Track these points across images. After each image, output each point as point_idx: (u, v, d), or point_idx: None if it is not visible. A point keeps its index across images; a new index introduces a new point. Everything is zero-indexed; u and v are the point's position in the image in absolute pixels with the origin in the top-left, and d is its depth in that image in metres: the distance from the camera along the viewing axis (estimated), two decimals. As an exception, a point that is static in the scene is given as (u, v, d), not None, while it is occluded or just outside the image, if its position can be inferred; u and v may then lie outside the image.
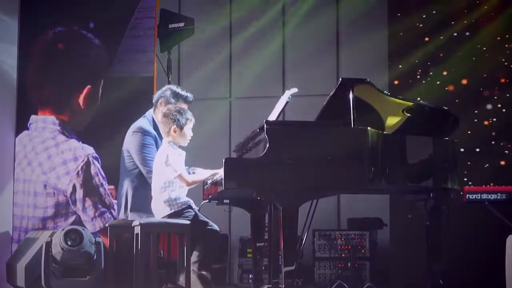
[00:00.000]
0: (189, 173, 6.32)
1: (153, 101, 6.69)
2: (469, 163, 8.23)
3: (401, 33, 8.72)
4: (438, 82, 8.53)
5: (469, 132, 8.26)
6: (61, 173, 7.91)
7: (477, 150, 8.31)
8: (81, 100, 8.01)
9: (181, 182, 6.00)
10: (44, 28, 8.15)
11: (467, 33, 8.53)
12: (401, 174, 5.72)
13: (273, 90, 9.44)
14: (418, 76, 8.61)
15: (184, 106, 6.54)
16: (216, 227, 6.09)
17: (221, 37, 10.25)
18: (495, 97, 8.42)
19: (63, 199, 7.89)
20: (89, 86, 8.02)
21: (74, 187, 7.86)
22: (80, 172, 7.88)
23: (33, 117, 8.06)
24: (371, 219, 8.77)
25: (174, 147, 6.05)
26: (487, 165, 8.27)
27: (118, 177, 6.76)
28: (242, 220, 7.59)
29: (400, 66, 8.65)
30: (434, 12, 8.66)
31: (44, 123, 8.03)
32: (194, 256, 5.98)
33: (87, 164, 7.88)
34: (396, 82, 8.66)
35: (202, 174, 6.22)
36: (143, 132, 6.50)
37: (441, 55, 8.59)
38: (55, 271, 7.01)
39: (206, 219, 6.09)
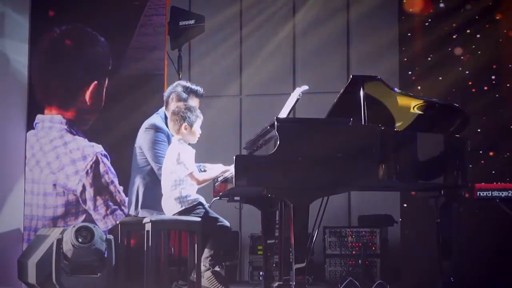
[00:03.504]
0: (200, 169, 6.33)
1: (164, 98, 6.71)
2: (480, 160, 8.21)
3: (412, 30, 8.69)
4: (449, 79, 8.50)
5: (479, 129, 8.23)
6: (70, 173, 7.92)
7: (488, 147, 8.28)
8: (87, 96, 8.02)
9: (192, 180, 6.00)
10: (54, 26, 8.17)
11: (480, 28, 8.49)
12: (412, 171, 5.71)
13: (284, 87, 9.43)
14: (430, 73, 8.58)
15: (196, 100, 6.57)
16: (226, 223, 6.10)
17: (231, 35, 10.25)
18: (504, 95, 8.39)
19: (73, 198, 7.90)
20: (95, 82, 8.03)
21: (83, 186, 7.86)
22: (89, 171, 7.88)
23: (39, 116, 8.07)
24: (381, 216, 8.75)
25: (184, 145, 6.06)
26: (498, 162, 8.24)
27: (128, 175, 6.78)
28: (252, 217, 7.59)
29: (411, 63, 8.62)
30: (444, 7, 8.61)
31: (51, 122, 8.03)
32: (206, 252, 5.99)
33: (96, 163, 7.89)
34: (406, 79, 8.64)
35: (212, 172, 6.21)
36: (156, 129, 6.52)
37: (453, 51, 8.55)
38: (66, 268, 7.03)
39: (216, 215, 6.10)
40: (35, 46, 8.13)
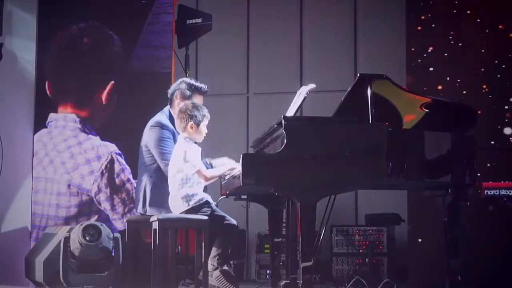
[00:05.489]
0: (206, 163, 6.34)
1: (168, 95, 6.70)
2: (487, 159, 8.18)
3: (420, 27, 8.65)
4: (457, 77, 8.47)
5: (487, 127, 8.20)
6: (85, 173, 7.94)
7: (496, 145, 8.25)
8: (104, 96, 8.04)
9: (200, 177, 6.00)
10: (63, 24, 8.20)
11: (489, 24, 8.44)
12: (419, 169, 5.70)
13: (291, 85, 9.42)
14: (438, 71, 8.55)
15: (200, 98, 6.55)
16: (233, 221, 6.10)
17: (238, 33, 10.26)
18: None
19: (87, 198, 7.91)
20: (112, 82, 8.05)
21: (99, 187, 7.88)
22: (104, 171, 7.90)
23: (52, 115, 8.08)
24: (388, 214, 8.75)
25: (190, 143, 6.05)
26: (505, 161, 8.21)
27: (137, 173, 6.79)
28: (259, 216, 7.59)
29: (419, 60, 8.59)
30: (454, 4, 8.56)
31: (64, 121, 8.05)
32: (214, 251, 5.98)
33: (111, 163, 7.90)
34: (414, 77, 8.61)
35: (220, 168, 6.21)
36: (161, 126, 6.51)
37: (462, 48, 8.50)
38: (73, 266, 7.04)
39: (223, 214, 6.10)
40: (46, 43, 8.14)
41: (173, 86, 6.70)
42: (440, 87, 8.41)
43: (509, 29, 8.34)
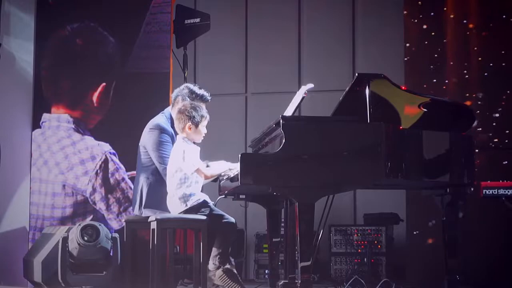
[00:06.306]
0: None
1: (172, 99, 6.68)
2: (485, 158, 8.18)
3: (418, 27, 8.65)
4: (455, 77, 8.47)
5: (485, 127, 8.21)
6: (79, 173, 7.92)
7: (494, 145, 8.26)
8: (95, 98, 8.02)
9: (199, 176, 6.01)
10: (61, 24, 8.18)
11: (488, 25, 8.44)
12: (418, 169, 5.71)
13: (289, 85, 9.43)
14: (436, 71, 8.55)
15: (202, 105, 6.53)
16: (232, 219, 6.09)
17: (237, 33, 10.25)
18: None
19: (82, 198, 7.90)
20: (104, 84, 8.04)
21: (93, 187, 7.86)
22: (99, 171, 7.88)
23: (45, 115, 8.06)
24: (387, 214, 8.75)
25: (189, 143, 6.05)
26: (504, 160, 8.21)
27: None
28: (258, 215, 7.59)
29: (417, 60, 8.59)
30: (450, 5, 8.57)
31: (58, 122, 8.04)
32: (214, 251, 5.98)
33: (105, 162, 7.89)
34: (412, 77, 8.61)
35: (219, 167, 6.21)
36: (160, 130, 6.49)
37: (460, 48, 8.51)
38: (72, 267, 7.04)
39: (221, 213, 6.09)
40: (44, 44, 8.14)
41: (176, 91, 6.67)
42: (439, 85, 8.41)
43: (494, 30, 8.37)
